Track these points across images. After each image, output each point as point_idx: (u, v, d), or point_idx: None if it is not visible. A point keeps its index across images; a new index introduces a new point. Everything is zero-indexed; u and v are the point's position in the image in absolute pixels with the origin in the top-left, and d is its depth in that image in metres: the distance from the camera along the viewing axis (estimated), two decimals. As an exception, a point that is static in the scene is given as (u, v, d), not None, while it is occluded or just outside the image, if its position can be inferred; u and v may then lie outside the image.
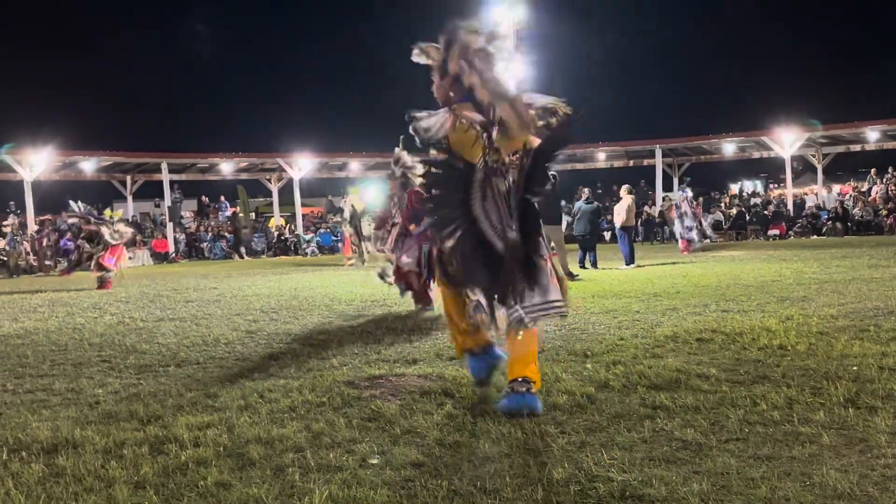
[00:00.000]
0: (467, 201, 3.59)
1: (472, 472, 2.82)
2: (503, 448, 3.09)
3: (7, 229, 23.82)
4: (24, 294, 12.68)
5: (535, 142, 3.66)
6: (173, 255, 26.25)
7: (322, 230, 29.05)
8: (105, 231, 13.28)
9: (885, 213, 24.79)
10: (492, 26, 3.87)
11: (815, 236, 24.31)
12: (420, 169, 6.09)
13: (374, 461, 2.99)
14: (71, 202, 14.28)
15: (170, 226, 27.13)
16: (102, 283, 13.14)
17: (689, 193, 18.52)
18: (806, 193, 31.29)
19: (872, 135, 27.34)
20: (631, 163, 31.40)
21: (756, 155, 30.70)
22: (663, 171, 30.13)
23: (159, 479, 2.87)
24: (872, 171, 28.46)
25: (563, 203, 18.51)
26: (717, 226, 24.88)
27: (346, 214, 18.37)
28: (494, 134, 3.64)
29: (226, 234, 27.79)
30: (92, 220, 13.74)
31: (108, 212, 14.27)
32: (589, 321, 6.57)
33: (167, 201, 27.62)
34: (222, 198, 31.77)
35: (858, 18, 64.05)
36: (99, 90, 58.77)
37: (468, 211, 3.59)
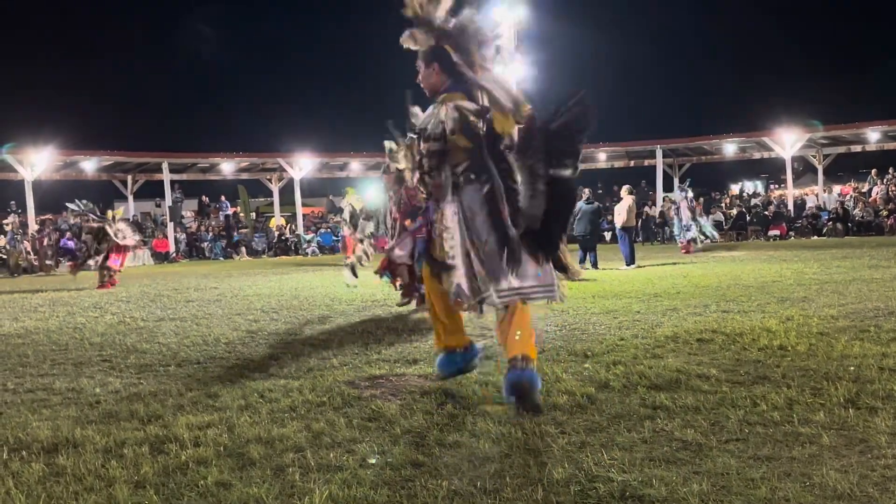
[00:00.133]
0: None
1: (472, 472, 2.82)
2: (503, 448, 3.09)
3: (7, 228, 23.84)
4: (25, 293, 12.69)
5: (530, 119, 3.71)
6: (174, 254, 26.29)
7: (323, 230, 29.06)
8: (109, 229, 13.37)
9: (885, 213, 24.78)
10: (489, 22, 3.91)
11: (815, 237, 24.31)
12: (402, 157, 6.00)
13: (374, 461, 2.99)
14: (69, 204, 14.34)
15: (170, 225, 27.15)
16: (103, 283, 13.16)
17: (690, 194, 18.53)
18: (806, 194, 31.27)
19: (873, 135, 27.35)
20: (632, 163, 31.41)
21: (757, 155, 30.71)
22: (664, 171, 30.14)
23: (159, 479, 2.87)
24: (873, 171, 28.44)
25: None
26: (717, 226, 24.87)
27: (346, 214, 18.37)
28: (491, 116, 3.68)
29: (223, 234, 27.85)
30: (92, 218, 13.79)
31: (108, 212, 14.32)
32: (589, 321, 6.57)
33: (168, 201, 27.63)
34: (223, 198, 31.78)
35: (859, 19, 64.07)
36: (100, 90, 58.88)
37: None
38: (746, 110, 61.89)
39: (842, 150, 28.83)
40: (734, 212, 27.63)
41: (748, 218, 26.71)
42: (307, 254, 26.46)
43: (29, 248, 22.49)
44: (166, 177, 27.72)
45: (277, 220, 30.13)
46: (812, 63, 62.66)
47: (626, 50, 57.70)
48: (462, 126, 3.72)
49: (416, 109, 4.40)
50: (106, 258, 13.32)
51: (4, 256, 21.81)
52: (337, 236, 26.07)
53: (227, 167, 29.62)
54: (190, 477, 2.87)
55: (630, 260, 13.92)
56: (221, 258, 26.11)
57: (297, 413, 3.75)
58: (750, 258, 14.99)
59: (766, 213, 26.86)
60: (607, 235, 24.89)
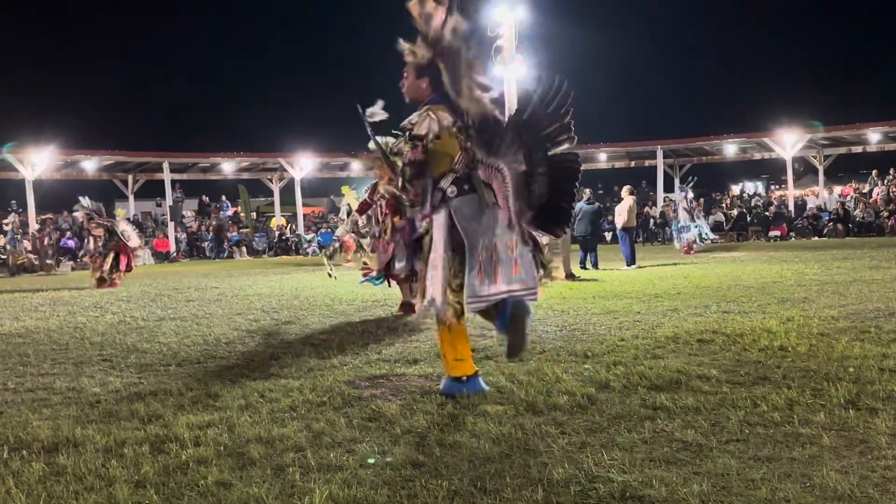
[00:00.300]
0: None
1: (472, 472, 2.82)
2: (503, 448, 3.09)
3: (8, 227, 23.86)
4: (25, 293, 12.70)
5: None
6: (174, 254, 26.29)
7: (323, 230, 29.06)
8: (117, 229, 13.46)
9: (886, 214, 24.80)
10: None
11: (816, 238, 24.31)
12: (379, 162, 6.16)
13: (374, 461, 2.99)
14: (81, 199, 14.37)
15: (171, 225, 27.16)
16: (102, 283, 13.15)
17: (690, 194, 18.52)
18: (807, 195, 31.28)
19: (874, 136, 27.36)
20: (632, 163, 31.42)
21: (757, 156, 30.72)
22: (664, 171, 30.14)
23: (160, 478, 2.87)
24: (874, 172, 28.45)
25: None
26: (717, 227, 24.88)
27: (343, 214, 18.40)
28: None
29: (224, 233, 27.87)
30: (96, 217, 13.83)
31: (119, 211, 14.40)
32: (590, 322, 6.57)
33: (168, 201, 27.65)
34: (223, 197, 31.81)
35: (860, 19, 64.04)
36: (100, 89, 58.79)
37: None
38: (747, 111, 61.89)
39: (842, 150, 28.84)
40: (735, 212, 27.64)
41: (749, 218, 26.73)
42: (307, 254, 26.46)
43: (29, 248, 22.51)
44: (167, 176, 27.74)
45: (278, 220, 30.15)
46: (812, 63, 62.67)
47: (626, 50, 57.64)
48: (446, 134, 3.82)
49: (376, 109, 4.63)
50: (117, 258, 13.34)
51: (5, 256, 21.82)
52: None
53: (228, 167, 29.64)
54: (190, 476, 2.87)
55: (630, 260, 13.93)
56: (217, 259, 26.07)
57: (297, 413, 3.75)
58: (750, 259, 14.98)
59: (767, 213, 26.86)
60: (608, 236, 24.89)
